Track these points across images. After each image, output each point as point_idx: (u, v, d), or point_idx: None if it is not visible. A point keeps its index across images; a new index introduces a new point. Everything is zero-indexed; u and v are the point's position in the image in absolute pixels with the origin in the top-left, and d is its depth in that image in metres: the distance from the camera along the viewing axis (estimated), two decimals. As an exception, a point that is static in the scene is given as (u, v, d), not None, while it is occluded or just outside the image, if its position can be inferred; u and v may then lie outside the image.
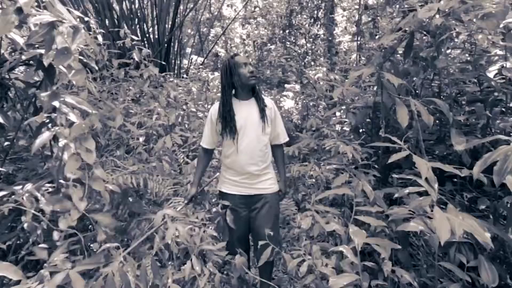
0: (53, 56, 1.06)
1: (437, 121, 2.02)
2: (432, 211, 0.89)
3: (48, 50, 1.00)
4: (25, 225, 1.15)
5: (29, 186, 1.20)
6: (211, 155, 1.94)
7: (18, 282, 0.96)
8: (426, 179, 0.93)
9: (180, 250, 1.41)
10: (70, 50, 0.98)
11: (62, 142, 1.09)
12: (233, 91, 1.76)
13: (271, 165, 1.81)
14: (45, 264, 1.14)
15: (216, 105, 1.78)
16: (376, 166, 1.97)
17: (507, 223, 1.02)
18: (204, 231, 1.49)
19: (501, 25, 1.27)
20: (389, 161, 1.06)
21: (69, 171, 1.15)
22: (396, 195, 1.19)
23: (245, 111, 1.71)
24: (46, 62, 1.19)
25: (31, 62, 1.56)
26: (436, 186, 0.96)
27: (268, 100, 1.79)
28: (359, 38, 5.44)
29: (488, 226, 0.96)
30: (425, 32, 1.76)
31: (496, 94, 1.45)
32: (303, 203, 2.32)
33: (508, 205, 1.22)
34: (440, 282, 1.22)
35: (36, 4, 1.13)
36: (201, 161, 1.87)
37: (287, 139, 1.86)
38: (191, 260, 1.31)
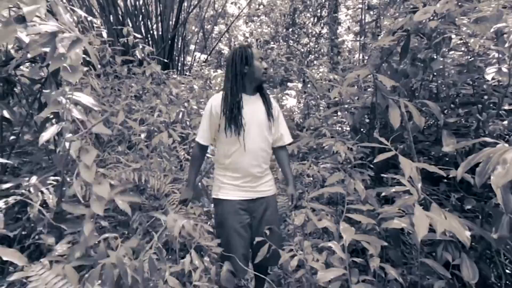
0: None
1: (435, 122, 2.04)
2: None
3: (50, 59, 1.04)
4: (31, 215, 1.20)
5: (34, 179, 1.25)
6: (206, 153, 1.80)
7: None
8: (410, 178, 0.97)
9: (177, 243, 1.45)
10: (67, 57, 1.01)
11: (68, 137, 1.12)
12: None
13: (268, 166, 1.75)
14: (48, 254, 1.19)
15: (217, 96, 1.62)
16: (371, 166, 2.00)
17: (492, 223, 1.06)
18: (201, 226, 1.53)
19: (493, 29, 1.29)
20: (375, 160, 1.10)
21: (83, 181, 1.13)
22: (383, 194, 1.22)
23: (251, 107, 1.59)
24: (50, 69, 1.24)
25: (37, 58, 1.61)
26: (419, 185, 1.00)
27: (271, 99, 1.71)
28: (362, 38, 5.44)
29: (470, 225, 1.00)
30: (421, 34, 1.78)
31: (486, 97, 1.48)
32: (300, 201, 2.36)
33: (497, 206, 1.25)
34: (428, 279, 1.26)
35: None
36: (197, 159, 1.71)
37: (291, 140, 1.75)
38: (190, 254, 1.34)
